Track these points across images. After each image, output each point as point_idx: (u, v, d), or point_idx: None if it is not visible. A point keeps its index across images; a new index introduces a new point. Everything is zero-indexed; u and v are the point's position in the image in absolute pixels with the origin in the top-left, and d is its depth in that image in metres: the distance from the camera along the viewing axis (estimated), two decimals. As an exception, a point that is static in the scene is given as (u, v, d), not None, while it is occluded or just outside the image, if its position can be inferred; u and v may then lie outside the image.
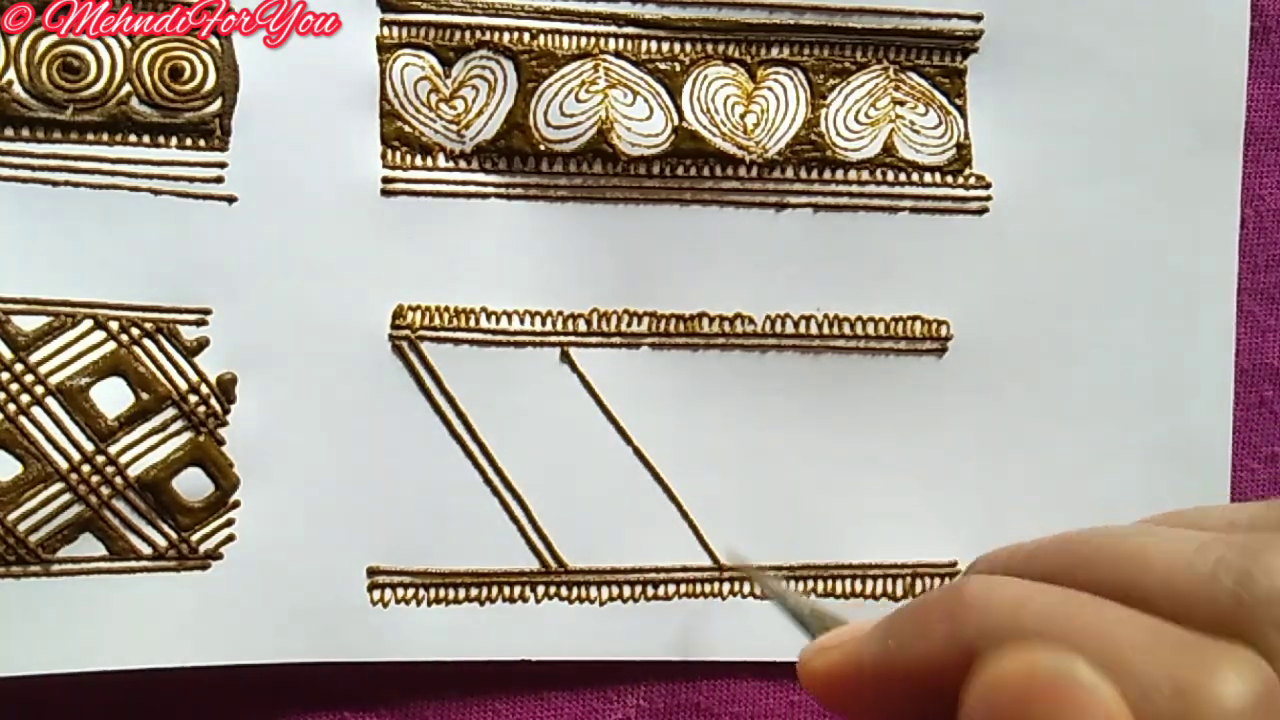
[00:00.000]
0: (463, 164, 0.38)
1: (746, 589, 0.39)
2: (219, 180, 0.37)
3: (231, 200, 0.37)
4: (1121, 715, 0.20)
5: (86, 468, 0.36)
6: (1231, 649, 0.21)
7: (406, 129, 0.38)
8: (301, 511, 0.37)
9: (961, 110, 0.40)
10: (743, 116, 0.39)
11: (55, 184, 0.36)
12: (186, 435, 0.37)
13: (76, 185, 0.36)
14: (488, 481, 0.38)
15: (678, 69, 0.39)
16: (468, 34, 0.38)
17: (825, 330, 0.39)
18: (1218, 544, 0.23)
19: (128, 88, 0.36)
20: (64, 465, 0.36)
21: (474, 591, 0.38)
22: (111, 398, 0.37)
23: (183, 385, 0.37)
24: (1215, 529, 0.24)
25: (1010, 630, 0.22)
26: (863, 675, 0.24)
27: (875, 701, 0.24)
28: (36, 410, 0.36)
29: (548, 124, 0.38)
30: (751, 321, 0.39)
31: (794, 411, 0.39)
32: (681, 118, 0.38)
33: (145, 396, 0.37)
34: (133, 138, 0.36)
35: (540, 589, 0.39)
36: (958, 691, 0.22)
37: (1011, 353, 0.40)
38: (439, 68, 0.38)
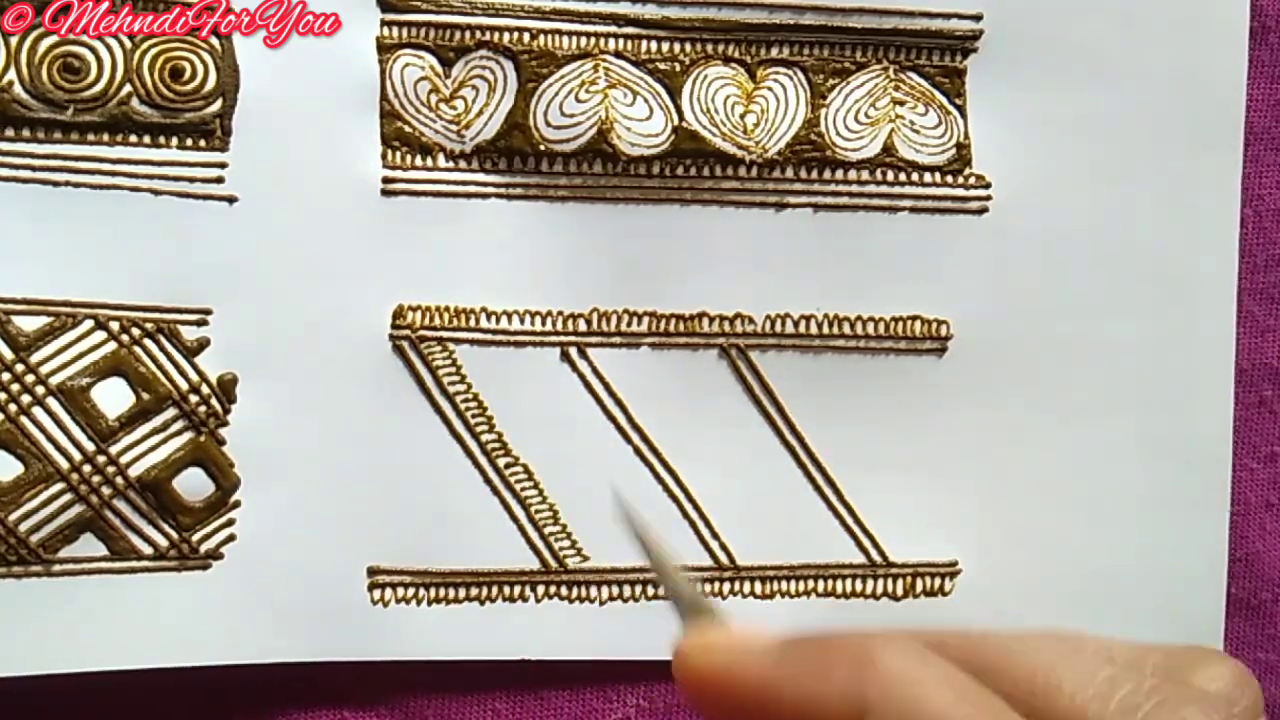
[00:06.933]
0: (463, 164, 0.38)
1: (748, 589, 0.39)
2: (219, 180, 0.37)
3: (231, 200, 0.37)
4: None
5: (87, 468, 0.36)
6: None
7: (406, 129, 0.38)
8: (301, 511, 0.37)
9: (961, 110, 0.40)
10: (743, 116, 0.39)
11: (55, 184, 0.36)
12: (187, 435, 0.37)
13: (77, 185, 0.36)
14: (488, 481, 0.38)
15: (678, 69, 0.39)
16: (468, 34, 0.38)
17: (825, 330, 0.39)
18: (1128, 681, 0.23)
19: (128, 88, 0.36)
20: (65, 465, 0.36)
21: (474, 591, 0.38)
22: (112, 398, 0.37)
23: (183, 385, 0.37)
24: (1123, 663, 0.23)
25: (909, 711, 0.21)
26: (744, 689, 0.23)
27: (747, 718, 0.23)
28: (37, 410, 0.36)
29: (548, 124, 0.38)
30: (751, 321, 0.39)
31: (794, 411, 0.39)
32: (681, 118, 0.38)
33: (146, 396, 0.37)
34: (133, 138, 0.36)
35: (540, 589, 0.39)
36: None
37: (1011, 352, 0.40)
38: (439, 68, 0.38)
